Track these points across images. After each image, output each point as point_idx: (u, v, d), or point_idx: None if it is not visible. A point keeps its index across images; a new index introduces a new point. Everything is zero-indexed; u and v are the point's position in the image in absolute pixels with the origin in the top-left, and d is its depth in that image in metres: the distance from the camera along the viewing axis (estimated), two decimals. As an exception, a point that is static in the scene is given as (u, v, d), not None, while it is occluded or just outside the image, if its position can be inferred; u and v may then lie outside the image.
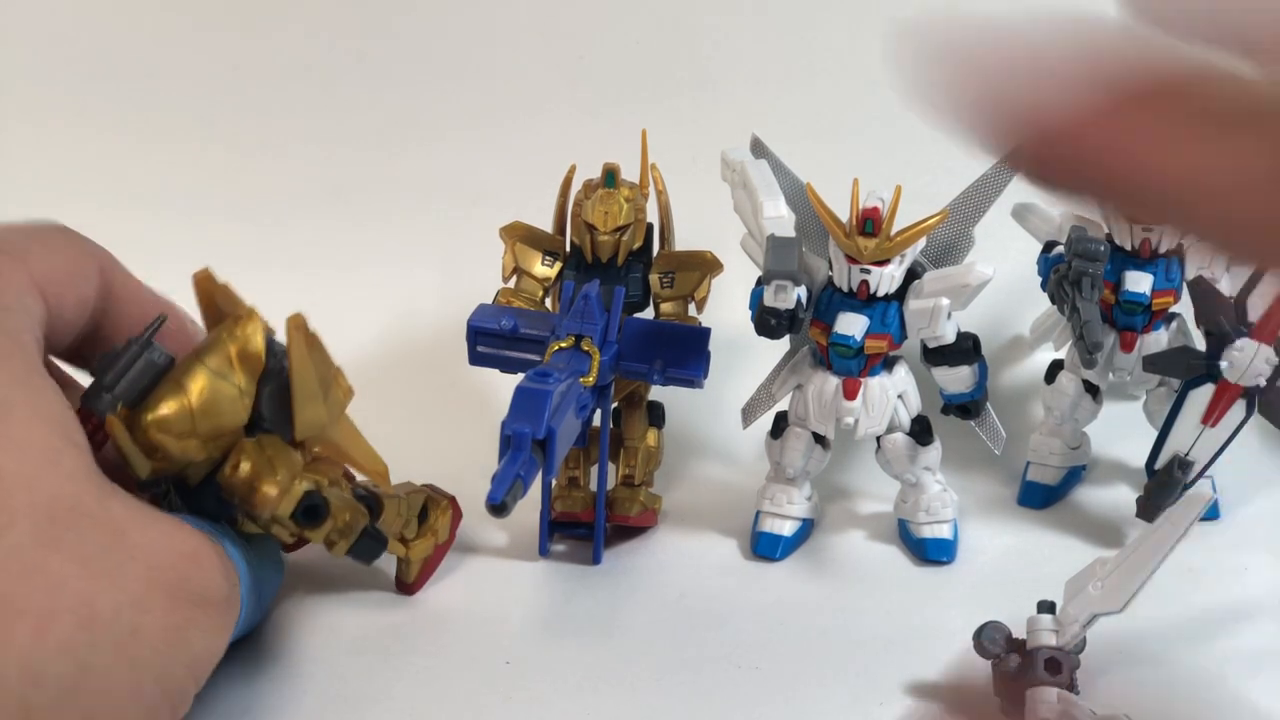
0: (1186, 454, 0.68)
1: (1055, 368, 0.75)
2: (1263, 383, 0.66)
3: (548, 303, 0.72)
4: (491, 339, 0.67)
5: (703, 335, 0.68)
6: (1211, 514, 0.72)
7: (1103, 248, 0.67)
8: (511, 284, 0.71)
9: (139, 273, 0.63)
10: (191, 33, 0.95)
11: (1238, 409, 0.67)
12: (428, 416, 0.71)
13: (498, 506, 0.55)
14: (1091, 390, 0.74)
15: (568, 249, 0.71)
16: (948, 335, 0.68)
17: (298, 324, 0.56)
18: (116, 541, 0.48)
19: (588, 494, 0.71)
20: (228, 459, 0.56)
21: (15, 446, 0.48)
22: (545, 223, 0.72)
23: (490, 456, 0.75)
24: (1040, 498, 0.75)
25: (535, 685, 0.61)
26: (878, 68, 1.04)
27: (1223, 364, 0.66)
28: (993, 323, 0.67)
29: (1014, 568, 0.70)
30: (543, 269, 0.70)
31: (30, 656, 0.45)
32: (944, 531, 0.71)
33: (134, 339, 0.55)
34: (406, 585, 0.67)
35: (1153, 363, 0.69)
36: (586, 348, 0.64)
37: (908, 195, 0.66)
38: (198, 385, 0.55)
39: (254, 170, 0.92)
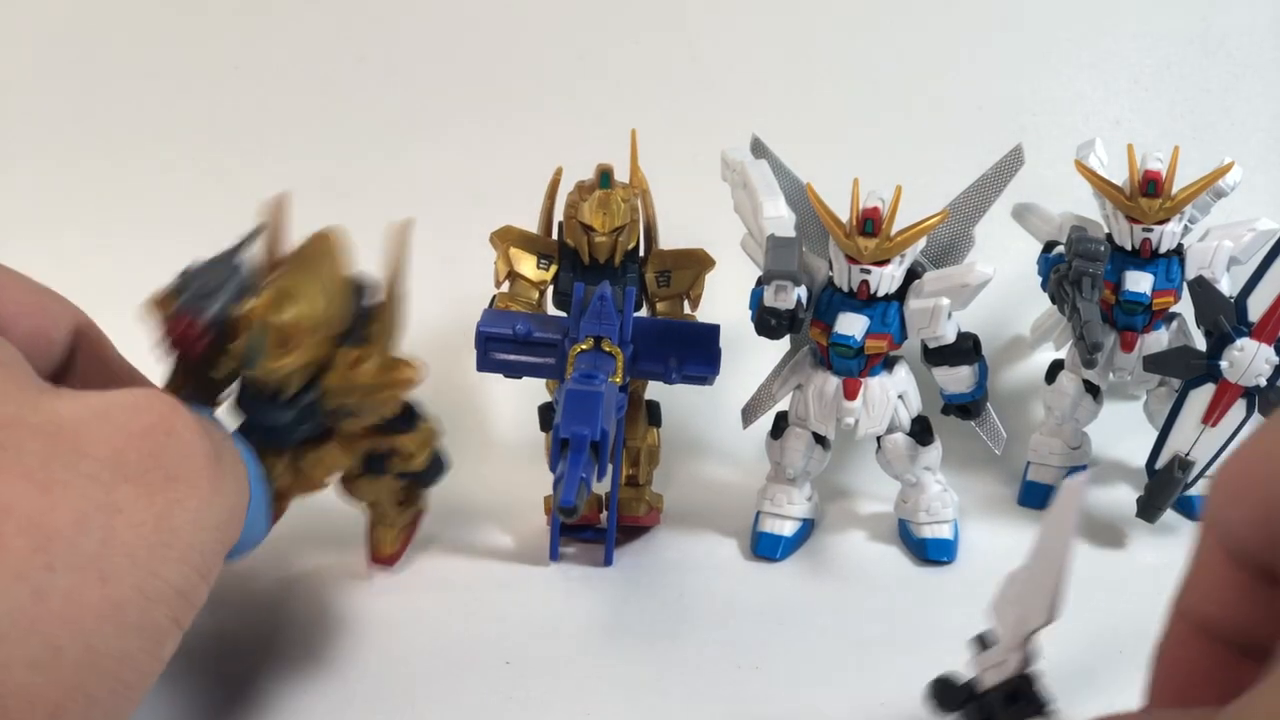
0: (1187, 454, 0.68)
1: (1055, 368, 0.75)
2: (1263, 383, 0.66)
3: (550, 307, 0.72)
4: (503, 344, 0.67)
5: (713, 332, 0.68)
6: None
7: (1103, 248, 0.67)
8: (505, 289, 0.71)
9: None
10: (192, 33, 0.95)
11: (1238, 409, 0.67)
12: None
13: (569, 509, 0.55)
14: (1092, 390, 0.74)
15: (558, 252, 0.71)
16: (948, 335, 0.68)
17: (403, 227, 0.59)
18: (64, 443, 0.43)
19: (593, 497, 0.71)
20: (322, 372, 0.57)
21: None
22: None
23: (489, 457, 0.75)
24: (1040, 498, 0.75)
25: (535, 685, 0.61)
26: (878, 68, 1.05)
27: (1223, 364, 0.66)
28: (993, 323, 0.67)
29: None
30: (538, 272, 0.70)
31: None
32: (944, 531, 0.71)
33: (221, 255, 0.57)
34: (386, 556, 0.68)
35: (1153, 362, 0.69)
36: (608, 348, 0.64)
37: (908, 195, 0.66)
38: (307, 282, 0.56)
39: (253, 170, 0.92)
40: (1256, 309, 0.66)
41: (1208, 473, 0.69)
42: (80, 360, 0.57)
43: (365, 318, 0.60)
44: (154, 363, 0.60)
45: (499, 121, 0.94)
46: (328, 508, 0.70)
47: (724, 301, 0.71)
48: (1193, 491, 0.72)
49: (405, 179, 0.92)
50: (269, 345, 0.55)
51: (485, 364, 0.68)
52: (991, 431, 0.74)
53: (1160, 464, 0.69)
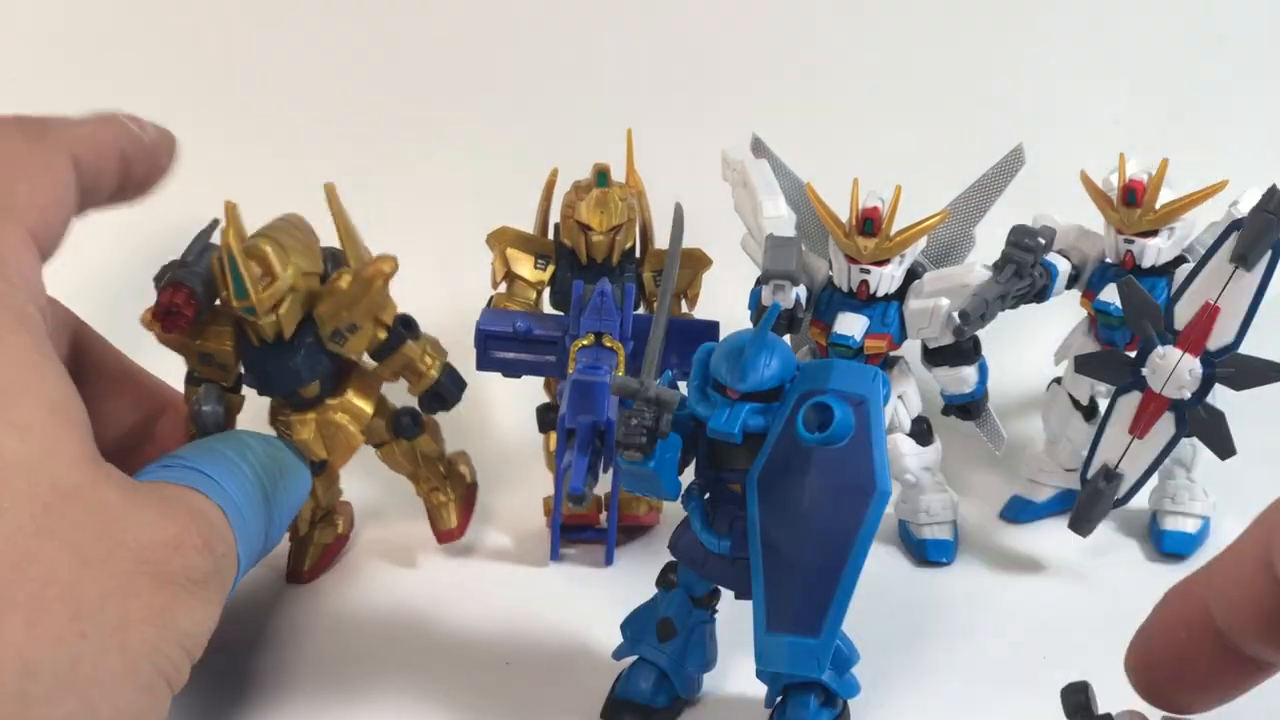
0: (1115, 465, 0.66)
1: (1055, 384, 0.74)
2: (1187, 395, 0.63)
3: (547, 307, 0.72)
4: (503, 342, 0.67)
5: (713, 329, 0.68)
6: (1182, 549, 0.71)
7: (1041, 240, 0.66)
8: (502, 289, 0.71)
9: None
10: (193, 33, 0.95)
11: (1166, 423, 0.64)
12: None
13: (579, 496, 0.56)
14: (1082, 410, 0.73)
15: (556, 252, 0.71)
16: (947, 335, 0.68)
17: (331, 189, 0.64)
18: (108, 528, 0.48)
19: (594, 498, 0.71)
20: (316, 305, 0.62)
21: (17, 431, 0.48)
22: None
23: (488, 459, 0.76)
24: (1022, 514, 0.74)
25: (535, 685, 0.61)
26: (878, 68, 1.05)
27: (1145, 370, 0.64)
28: (994, 323, 0.67)
29: (1013, 569, 0.70)
30: (535, 273, 0.70)
31: (24, 649, 0.45)
32: (944, 532, 0.71)
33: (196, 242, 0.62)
34: (448, 531, 0.69)
35: (1084, 364, 0.68)
36: (609, 343, 0.64)
37: (908, 195, 0.66)
38: (278, 233, 0.61)
39: (253, 170, 0.92)
40: (1182, 317, 0.63)
41: (1142, 489, 0.66)
42: (76, 364, 0.60)
43: (336, 262, 0.64)
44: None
45: (499, 121, 0.94)
46: (327, 507, 0.70)
47: (723, 301, 0.71)
48: (1167, 527, 0.70)
49: (404, 179, 0.92)
50: (249, 276, 0.58)
51: (485, 363, 0.67)
52: (991, 431, 0.74)
53: (1090, 474, 0.67)
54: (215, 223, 0.61)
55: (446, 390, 0.67)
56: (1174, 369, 0.63)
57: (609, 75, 0.93)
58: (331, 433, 0.65)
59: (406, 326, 0.65)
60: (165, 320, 0.60)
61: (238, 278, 0.58)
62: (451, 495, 0.69)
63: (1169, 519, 0.71)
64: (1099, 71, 0.94)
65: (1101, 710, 0.49)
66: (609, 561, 0.70)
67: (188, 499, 0.53)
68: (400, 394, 0.68)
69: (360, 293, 0.62)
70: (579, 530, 0.71)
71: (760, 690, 0.58)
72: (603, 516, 0.71)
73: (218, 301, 0.62)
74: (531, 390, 0.73)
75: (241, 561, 0.55)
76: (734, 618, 0.58)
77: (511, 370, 0.68)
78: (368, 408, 0.66)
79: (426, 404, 0.68)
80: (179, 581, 0.50)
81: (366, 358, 0.65)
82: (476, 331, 0.67)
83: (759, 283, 0.65)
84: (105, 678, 0.47)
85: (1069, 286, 0.71)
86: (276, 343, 0.62)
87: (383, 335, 0.64)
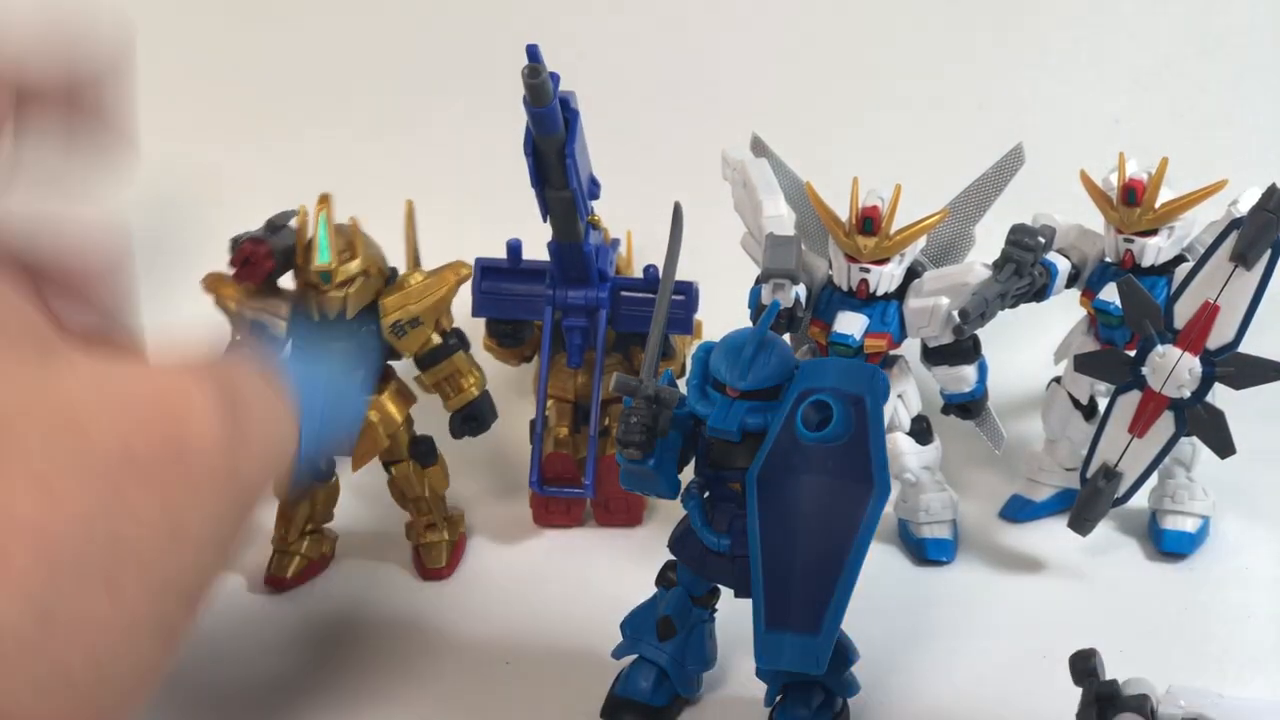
0: (1115, 464, 0.65)
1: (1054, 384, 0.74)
2: (1186, 393, 0.63)
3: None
4: (496, 278, 0.70)
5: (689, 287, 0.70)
6: (1182, 548, 0.70)
7: (1041, 239, 0.66)
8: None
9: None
10: (191, 31, 0.95)
11: (1166, 422, 0.64)
12: (429, 416, 0.71)
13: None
14: (1083, 409, 0.73)
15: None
16: (947, 334, 0.68)
17: (409, 206, 0.68)
18: (70, 435, 0.39)
19: (572, 463, 0.72)
20: (383, 296, 0.65)
21: None
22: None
23: (485, 465, 0.76)
24: (1022, 513, 0.74)
25: (535, 685, 0.61)
26: (877, 68, 1.05)
27: (1144, 369, 0.64)
28: (993, 323, 0.67)
29: (1013, 568, 0.70)
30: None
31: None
32: (943, 532, 0.71)
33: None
34: (437, 570, 0.69)
35: (1084, 363, 0.67)
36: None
37: (908, 195, 0.66)
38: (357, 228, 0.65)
39: (253, 167, 0.92)
40: (1182, 316, 0.63)
41: (1141, 488, 0.66)
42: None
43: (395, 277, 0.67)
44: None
45: (499, 121, 0.94)
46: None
47: (724, 300, 0.71)
48: (1167, 526, 0.70)
49: (404, 178, 0.92)
50: (333, 248, 0.62)
51: (481, 305, 0.70)
52: (991, 431, 0.74)
53: (1090, 473, 0.66)
54: (293, 211, 0.64)
55: (481, 412, 0.69)
56: (1173, 368, 0.63)
57: (609, 75, 0.93)
58: (362, 427, 0.66)
59: (459, 338, 0.68)
60: (241, 270, 0.63)
61: (324, 242, 0.62)
62: (446, 536, 0.70)
63: (1168, 518, 0.71)
64: (1099, 71, 0.94)
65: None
66: (589, 493, 0.70)
67: (180, 372, 0.43)
68: (419, 423, 0.69)
69: (433, 287, 0.65)
70: (560, 489, 0.72)
71: (760, 689, 0.58)
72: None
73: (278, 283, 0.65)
74: (525, 401, 0.74)
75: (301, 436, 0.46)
76: (734, 616, 0.58)
77: (506, 311, 0.70)
78: (399, 415, 0.68)
79: (459, 425, 0.69)
80: (186, 460, 0.40)
81: (406, 373, 0.67)
82: (475, 267, 0.69)
83: (759, 281, 0.65)
84: (85, 631, 0.38)
85: (1069, 286, 0.71)
86: (337, 320, 0.64)
87: (437, 340, 0.67)
